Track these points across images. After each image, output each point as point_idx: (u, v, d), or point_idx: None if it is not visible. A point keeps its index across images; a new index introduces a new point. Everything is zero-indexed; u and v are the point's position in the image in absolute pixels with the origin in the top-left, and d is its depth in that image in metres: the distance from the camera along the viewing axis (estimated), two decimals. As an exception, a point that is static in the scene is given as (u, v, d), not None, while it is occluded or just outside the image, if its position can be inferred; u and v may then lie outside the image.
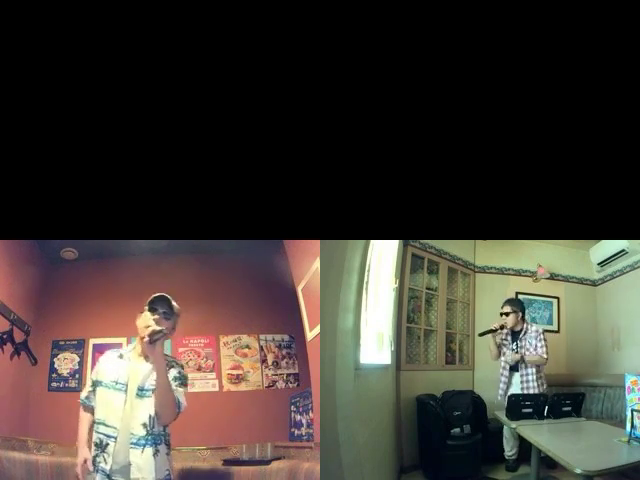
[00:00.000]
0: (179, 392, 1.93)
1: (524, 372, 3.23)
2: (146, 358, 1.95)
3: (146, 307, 1.97)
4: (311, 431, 3.23)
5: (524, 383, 3.21)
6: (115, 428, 1.86)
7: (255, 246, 3.63)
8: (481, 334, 3.33)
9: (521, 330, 3.27)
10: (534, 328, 3.30)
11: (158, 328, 1.86)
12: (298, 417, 3.58)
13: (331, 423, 1.99)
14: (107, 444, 1.86)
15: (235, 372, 4.04)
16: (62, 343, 3.92)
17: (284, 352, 4.13)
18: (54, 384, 3.79)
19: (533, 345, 3.22)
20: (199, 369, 4.00)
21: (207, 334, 4.10)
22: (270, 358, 4.10)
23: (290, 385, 4.05)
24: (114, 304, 3.86)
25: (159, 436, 1.92)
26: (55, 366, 3.84)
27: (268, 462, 3.16)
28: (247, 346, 4.12)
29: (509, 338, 3.29)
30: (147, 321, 1.90)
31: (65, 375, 3.83)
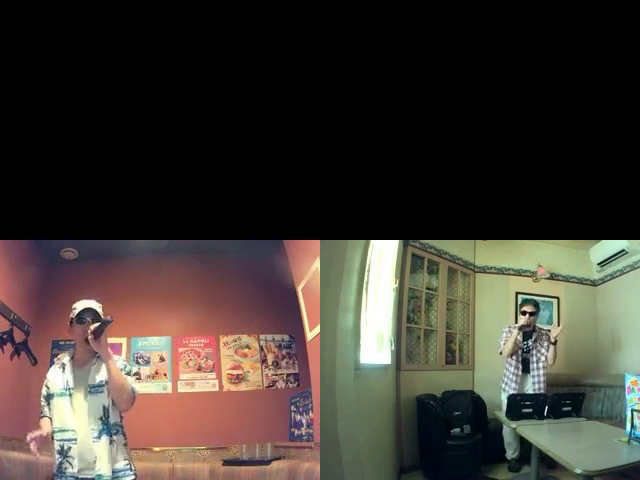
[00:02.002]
0: (130, 380, 2.04)
1: (535, 373, 3.22)
2: (86, 359, 2.05)
3: (74, 320, 2.04)
4: (311, 431, 3.24)
5: (536, 384, 3.21)
6: (73, 431, 1.95)
7: (255, 246, 3.63)
8: (520, 327, 3.22)
9: (533, 331, 3.27)
10: (544, 331, 3.31)
11: (98, 323, 1.94)
12: (298, 417, 3.59)
13: (331, 423, 2.00)
14: (69, 448, 1.94)
15: (235, 372, 4.04)
16: (62, 343, 3.92)
17: (284, 352, 4.13)
18: (54, 384, 3.79)
19: (545, 347, 3.23)
20: (199, 369, 4.01)
21: (207, 334, 4.11)
22: (270, 358, 4.11)
23: (290, 385, 4.05)
24: (114, 304, 3.85)
25: (114, 426, 2.00)
26: (55, 366, 3.84)
27: (268, 462, 3.16)
28: (247, 346, 4.12)
29: (519, 337, 3.29)
30: (81, 331, 2.00)
31: (65, 375, 3.82)
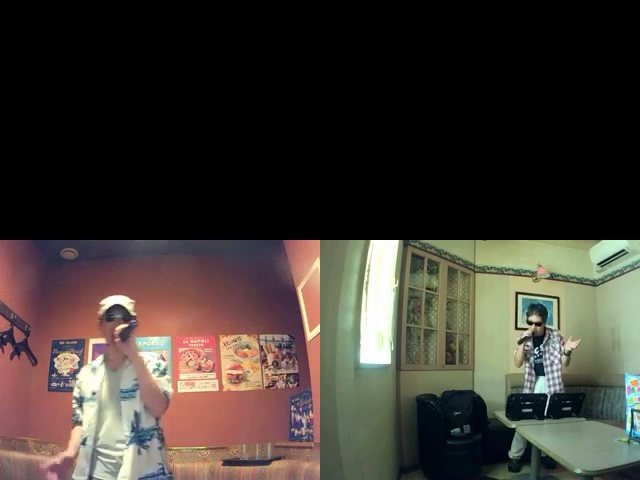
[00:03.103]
0: (162, 382, 1.95)
1: (550, 376, 3.23)
2: (116, 363, 1.97)
3: (103, 318, 1.97)
4: (311, 431, 3.24)
5: (551, 387, 3.21)
6: (102, 436, 1.89)
7: (255, 246, 3.64)
8: (520, 341, 3.27)
9: (543, 336, 3.28)
10: (555, 333, 3.32)
11: (125, 325, 1.88)
12: (298, 417, 3.59)
13: (331, 423, 1.99)
14: (99, 452, 1.88)
15: (235, 372, 4.04)
16: (62, 343, 3.92)
17: (284, 352, 4.13)
18: (54, 384, 3.80)
19: (557, 349, 3.23)
20: (199, 369, 4.01)
21: (207, 334, 4.11)
22: (270, 358, 4.11)
23: (290, 385, 4.05)
24: (114, 304, 3.86)
25: (148, 432, 1.92)
26: (55, 366, 3.85)
27: (268, 462, 3.16)
28: (247, 346, 4.12)
29: (530, 344, 3.29)
30: (110, 329, 1.92)
31: (65, 375, 3.83)
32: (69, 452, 1.90)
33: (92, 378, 1.98)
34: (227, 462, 3.36)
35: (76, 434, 1.97)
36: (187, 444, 3.57)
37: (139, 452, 1.88)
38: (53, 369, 3.84)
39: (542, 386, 3.25)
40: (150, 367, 1.95)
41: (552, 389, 3.20)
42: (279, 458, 3.24)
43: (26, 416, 3.58)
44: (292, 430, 3.66)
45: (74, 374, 3.78)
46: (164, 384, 1.95)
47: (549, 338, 3.27)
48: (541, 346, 3.26)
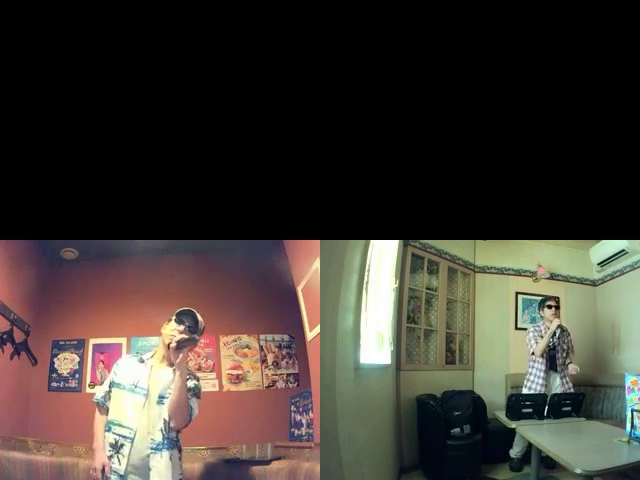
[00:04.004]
0: (193, 402, 1.98)
1: (563, 373, 3.23)
2: (167, 365, 2.00)
3: (173, 317, 2.03)
4: (311, 431, 3.23)
5: (565, 385, 3.21)
6: (131, 429, 1.89)
7: (255, 246, 3.63)
8: (558, 327, 3.24)
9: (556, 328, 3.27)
10: (565, 327, 3.32)
11: (187, 336, 1.95)
12: (298, 417, 3.58)
13: (331, 423, 1.99)
14: (122, 445, 1.88)
15: (235, 372, 4.04)
16: (62, 343, 3.91)
17: (284, 352, 4.13)
18: (54, 384, 3.79)
19: (567, 343, 3.25)
20: (199, 369, 4.00)
21: (207, 334, 4.09)
22: (270, 358, 4.10)
23: (290, 385, 4.05)
24: (114, 304, 3.86)
25: (173, 441, 1.95)
26: (55, 366, 3.84)
27: (268, 462, 3.16)
28: (247, 346, 4.12)
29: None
30: (174, 330, 1.98)
31: (65, 375, 3.82)
32: (103, 459, 1.89)
33: (138, 370, 1.99)
34: (227, 462, 3.35)
35: (100, 425, 1.96)
36: (187, 444, 3.55)
37: (170, 458, 1.90)
38: (53, 369, 3.83)
39: (556, 383, 3.24)
40: (189, 385, 1.97)
41: (566, 386, 3.21)
42: (279, 458, 3.23)
43: (26, 416, 3.57)
44: (292, 430, 3.66)
45: (74, 374, 3.78)
46: (194, 404, 1.98)
47: (562, 331, 3.27)
48: (554, 338, 3.25)
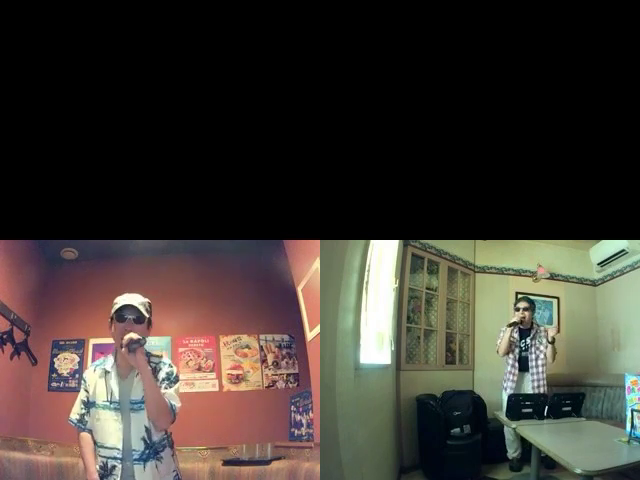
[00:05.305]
0: (170, 395, 1.83)
1: (534, 371, 3.21)
2: (130, 367, 1.83)
3: (113, 315, 1.84)
4: (311, 431, 3.23)
5: (535, 382, 3.20)
6: (118, 449, 1.78)
7: (255, 246, 3.63)
8: (510, 325, 3.25)
9: (530, 329, 3.27)
10: (542, 328, 3.31)
11: (136, 337, 1.76)
12: (298, 417, 3.58)
13: (331, 423, 1.99)
14: (113, 466, 1.78)
15: (235, 372, 4.04)
16: (62, 343, 3.92)
17: (284, 352, 4.13)
18: (54, 384, 3.79)
19: (543, 344, 3.22)
20: (199, 369, 4.00)
21: (207, 334, 4.10)
22: (270, 358, 4.10)
23: (290, 385, 4.05)
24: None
25: (160, 444, 1.84)
26: (55, 366, 3.84)
27: (268, 462, 3.16)
28: (247, 346, 4.12)
29: (516, 335, 3.28)
30: (121, 332, 1.80)
31: (65, 375, 3.83)
32: (94, 476, 1.78)
33: (104, 384, 1.84)
34: (227, 462, 3.35)
35: (88, 446, 1.83)
36: (187, 444, 3.56)
37: (157, 467, 1.79)
38: (53, 369, 3.83)
39: (527, 384, 3.23)
40: (160, 376, 1.84)
41: (535, 384, 3.19)
42: (279, 458, 3.24)
43: (26, 416, 3.58)
44: (292, 430, 3.66)
45: (74, 374, 3.78)
46: (172, 397, 1.83)
47: (536, 332, 3.26)
48: (528, 339, 3.25)
